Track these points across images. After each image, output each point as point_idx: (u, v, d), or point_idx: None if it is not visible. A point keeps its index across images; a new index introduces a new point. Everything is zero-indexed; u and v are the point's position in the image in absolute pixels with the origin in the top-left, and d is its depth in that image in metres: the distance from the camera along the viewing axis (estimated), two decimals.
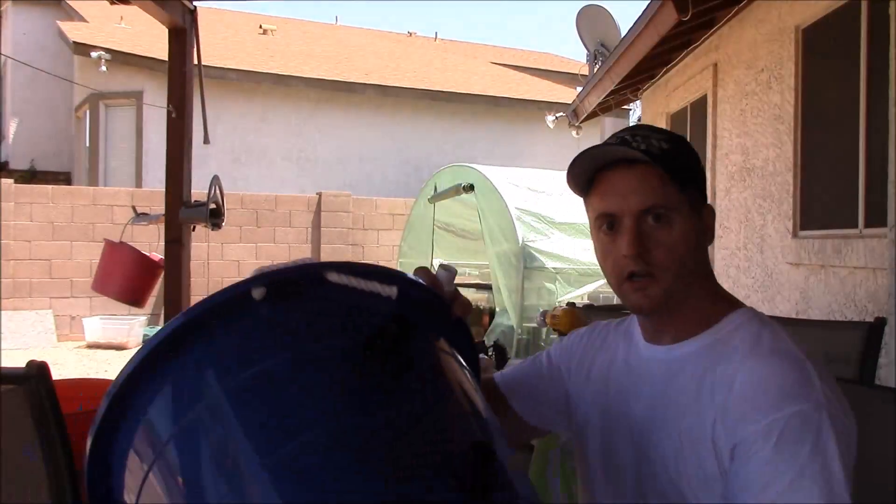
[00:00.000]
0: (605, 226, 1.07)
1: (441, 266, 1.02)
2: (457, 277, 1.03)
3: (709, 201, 1.12)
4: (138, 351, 0.80)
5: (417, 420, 0.81)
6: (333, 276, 0.87)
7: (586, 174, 1.08)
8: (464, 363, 0.96)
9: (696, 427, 0.99)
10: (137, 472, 0.80)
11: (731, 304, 1.10)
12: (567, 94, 12.42)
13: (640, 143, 1.04)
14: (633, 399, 1.10)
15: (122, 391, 0.80)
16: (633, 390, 1.11)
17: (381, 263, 1.30)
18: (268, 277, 0.84)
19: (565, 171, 1.10)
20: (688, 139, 1.14)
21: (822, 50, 3.65)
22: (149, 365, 0.80)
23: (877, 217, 3.02)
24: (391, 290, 0.89)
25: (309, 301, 0.86)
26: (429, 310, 0.94)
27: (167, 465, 0.78)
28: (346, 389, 0.79)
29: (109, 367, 7.61)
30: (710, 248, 1.13)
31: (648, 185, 1.03)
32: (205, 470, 0.77)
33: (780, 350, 1.00)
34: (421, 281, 0.97)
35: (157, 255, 4.16)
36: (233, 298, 0.82)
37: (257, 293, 0.82)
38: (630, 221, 1.03)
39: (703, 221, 1.08)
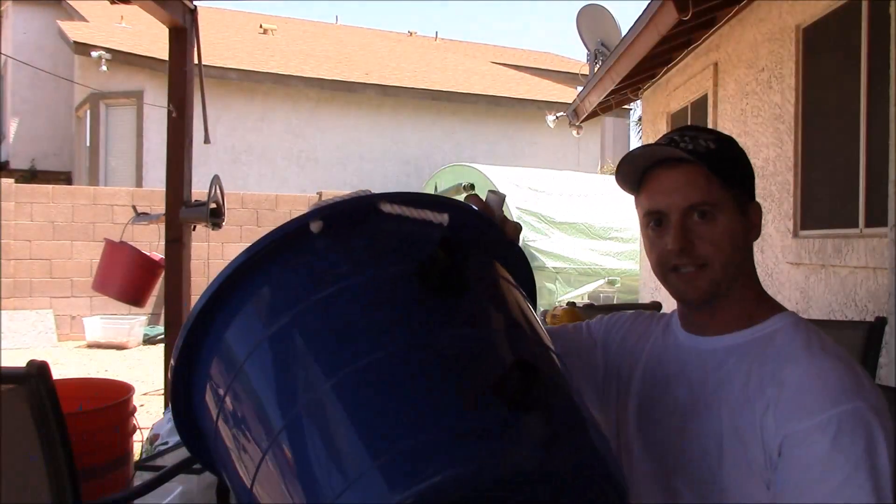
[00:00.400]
0: (652, 223, 1.11)
1: (490, 192, 1.04)
2: None
3: None
4: (209, 285, 0.87)
5: (473, 341, 0.83)
6: (387, 207, 0.90)
7: (636, 174, 1.12)
8: (516, 285, 0.98)
9: (743, 416, 1.01)
10: (216, 395, 0.87)
11: (775, 306, 1.13)
12: (567, 94, 12.42)
13: (688, 143, 1.08)
14: (673, 386, 1.12)
15: (197, 323, 0.87)
16: (672, 378, 1.13)
17: None
18: (325, 210, 0.88)
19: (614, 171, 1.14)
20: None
21: (822, 49, 3.64)
22: (219, 297, 0.87)
23: (877, 217, 3.01)
24: (443, 218, 0.92)
25: (363, 233, 0.90)
26: (481, 234, 0.97)
27: (242, 385, 0.84)
28: (403, 315, 0.83)
29: (110, 366, 7.61)
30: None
31: (694, 183, 1.06)
32: (275, 389, 0.82)
33: (832, 351, 1.02)
34: (473, 207, 0.99)
35: (158, 254, 4.16)
36: (292, 232, 0.87)
37: (315, 226, 0.86)
38: (676, 217, 1.07)
39: (748, 219, 1.11)
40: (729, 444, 1.01)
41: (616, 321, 1.29)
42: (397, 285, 0.85)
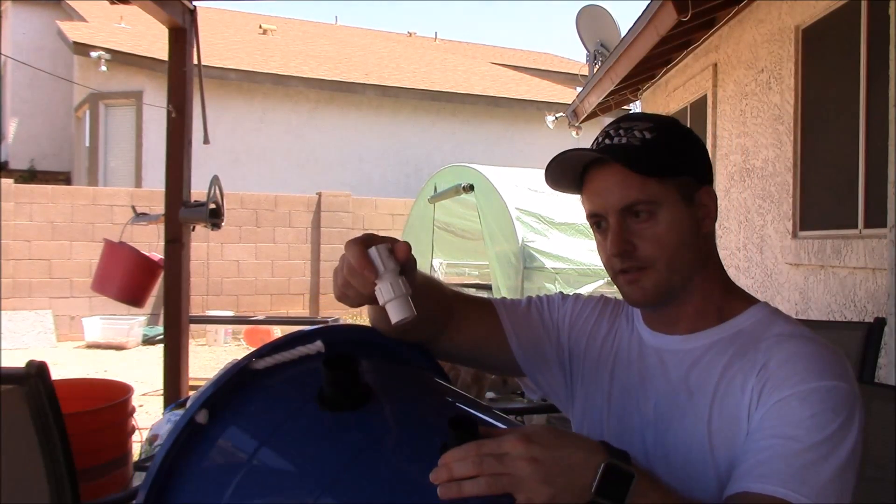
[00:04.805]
0: (595, 225, 1.07)
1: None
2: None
3: None
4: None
5: (399, 433, 0.87)
6: (260, 364, 0.91)
7: (574, 176, 1.08)
8: (408, 360, 1.03)
9: (727, 411, 0.96)
10: None
11: (746, 298, 1.08)
12: (567, 95, 12.42)
13: (622, 137, 1.02)
14: (648, 388, 1.06)
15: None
16: (645, 380, 1.07)
17: None
18: (204, 397, 0.88)
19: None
20: (681, 122, 1.10)
21: (821, 50, 3.65)
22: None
23: (876, 217, 3.02)
24: (317, 346, 0.95)
25: (249, 399, 0.91)
26: (360, 338, 1.01)
27: None
28: (330, 449, 0.84)
29: (109, 367, 7.60)
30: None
31: (626, 182, 1.00)
32: None
33: (816, 338, 0.99)
34: (345, 324, 1.04)
35: (157, 255, 4.16)
36: (182, 433, 0.87)
37: (201, 417, 0.87)
38: (613, 220, 1.02)
39: (698, 207, 1.04)
40: (718, 437, 0.97)
41: (581, 311, 1.20)
42: (309, 428, 0.86)
